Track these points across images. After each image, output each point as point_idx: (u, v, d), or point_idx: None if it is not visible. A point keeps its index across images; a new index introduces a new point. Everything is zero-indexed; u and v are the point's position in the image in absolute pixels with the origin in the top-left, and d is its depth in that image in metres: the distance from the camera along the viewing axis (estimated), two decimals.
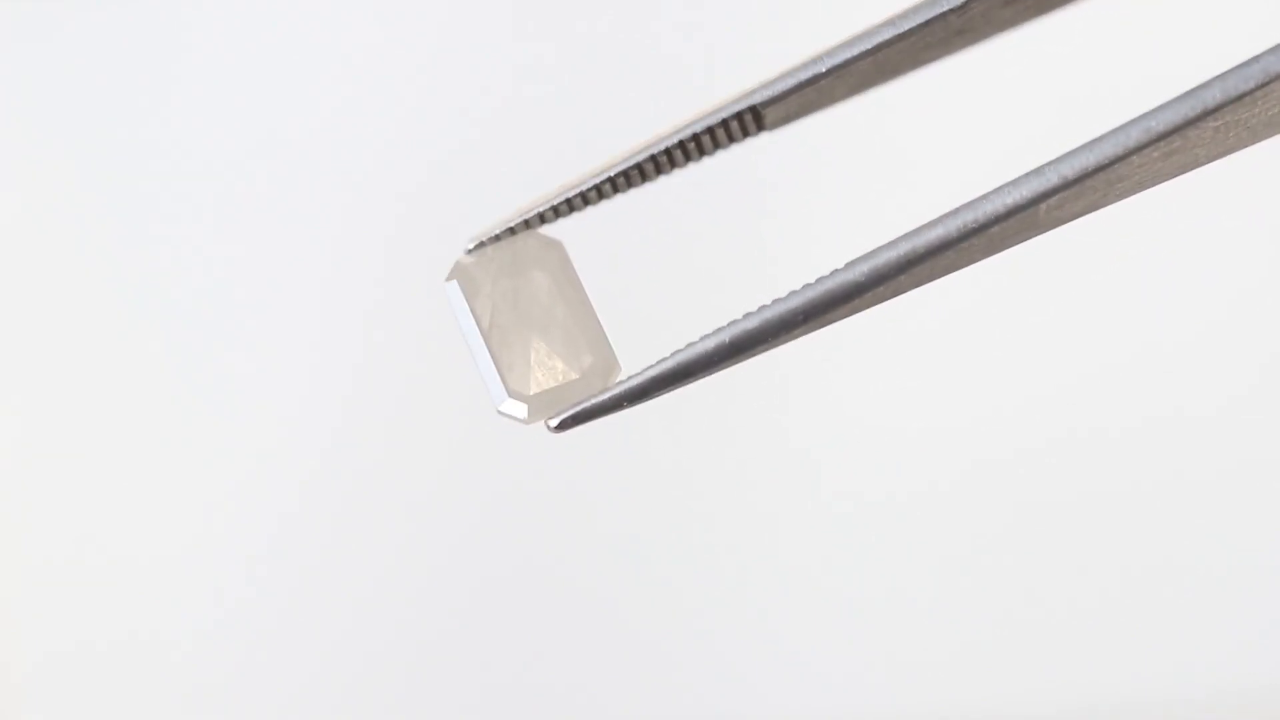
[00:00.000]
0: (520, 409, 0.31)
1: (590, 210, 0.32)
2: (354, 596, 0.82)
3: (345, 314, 0.81)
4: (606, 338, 0.32)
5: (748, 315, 0.30)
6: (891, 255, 0.30)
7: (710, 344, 0.30)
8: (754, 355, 0.31)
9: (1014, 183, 0.30)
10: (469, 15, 0.80)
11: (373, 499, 0.82)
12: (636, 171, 0.32)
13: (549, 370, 0.31)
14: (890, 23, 0.32)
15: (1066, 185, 0.30)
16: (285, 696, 0.83)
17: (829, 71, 0.32)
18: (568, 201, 0.32)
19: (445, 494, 0.81)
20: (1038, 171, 0.30)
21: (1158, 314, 0.77)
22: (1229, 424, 0.76)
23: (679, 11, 0.79)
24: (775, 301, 0.30)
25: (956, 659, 0.78)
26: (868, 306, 0.30)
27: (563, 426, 0.31)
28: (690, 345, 0.30)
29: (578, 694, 0.81)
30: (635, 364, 0.32)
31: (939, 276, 0.31)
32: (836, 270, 0.30)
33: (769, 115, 0.32)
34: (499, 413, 0.31)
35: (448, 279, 0.32)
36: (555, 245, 0.32)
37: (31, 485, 0.84)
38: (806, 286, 0.30)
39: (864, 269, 0.30)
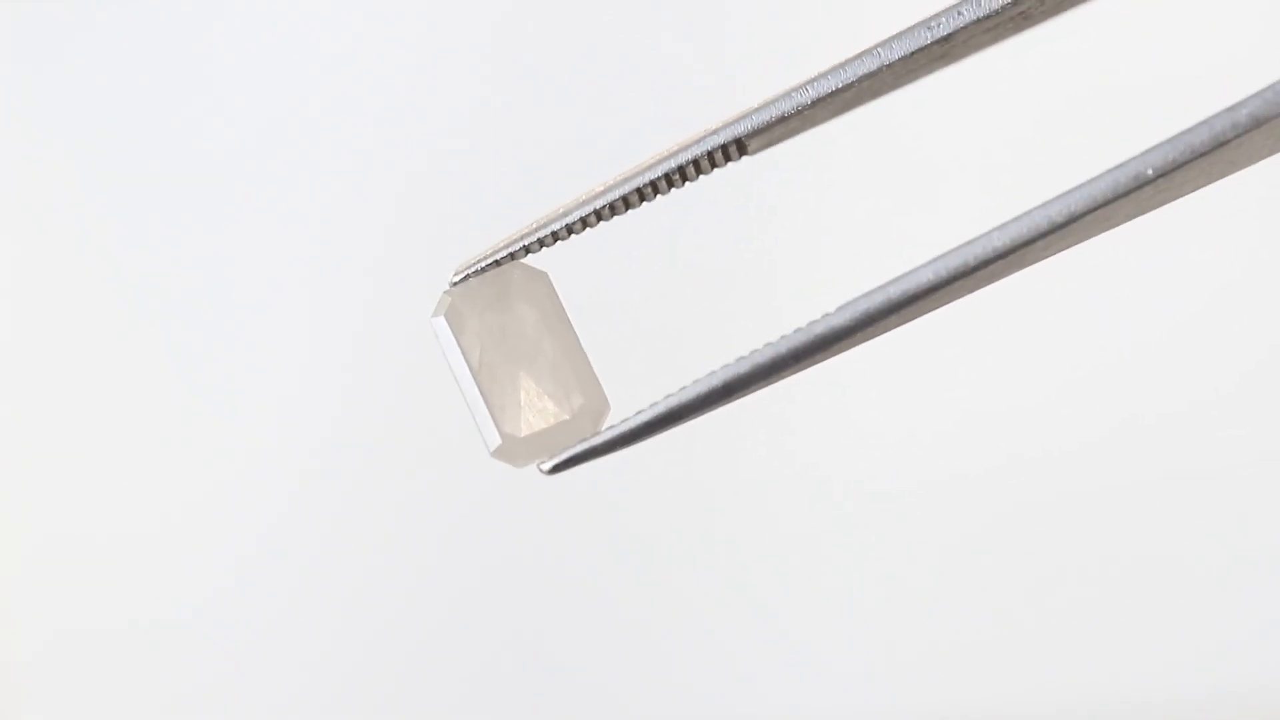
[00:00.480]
0: (513, 455, 0.31)
1: (574, 239, 0.32)
2: (353, 592, 0.83)
3: (341, 326, 0.82)
4: (595, 374, 0.32)
5: (739, 359, 0.31)
6: (880, 300, 0.30)
7: (702, 388, 0.31)
8: (744, 396, 0.31)
9: (1002, 227, 0.30)
10: (460, 35, 0.80)
11: (370, 497, 0.82)
12: (620, 201, 0.32)
13: (540, 411, 0.31)
14: (872, 52, 0.32)
15: (1055, 229, 0.30)
16: (283, 693, 0.83)
17: (814, 103, 0.32)
18: (552, 233, 0.32)
19: (445, 492, 0.82)
20: (1027, 215, 0.31)
21: (1154, 314, 0.77)
22: (1228, 421, 0.76)
23: (665, 30, 0.78)
24: (766, 346, 0.31)
25: (956, 658, 0.78)
26: (856, 345, 0.31)
27: (556, 470, 0.31)
28: (682, 389, 0.31)
29: (580, 692, 0.82)
30: (622, 396, 0.32)
31: (924, 314, 0.31)
32: (827, 315, 0.30)
33: (752, 144, 0.32)
34: (491, 456, 0.31)
35: (434, 315, 0.31)
36: (541, 276, 0.32)
37: (28, 483, 0.84)
38: (798, 331, 0.31)
39: (853, 314, 0.31)
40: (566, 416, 0.31)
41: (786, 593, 0.80)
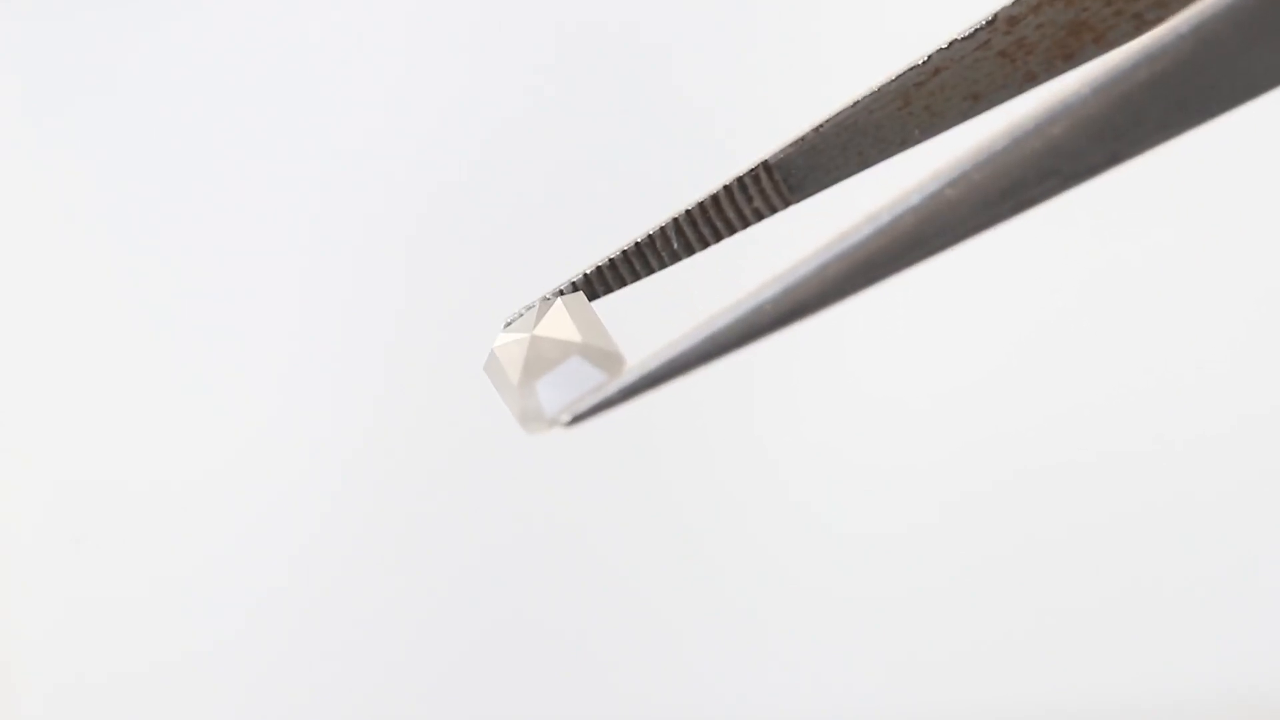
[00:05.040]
0: (537, 416, 0.32)
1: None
2: (352, 594, 0.82)
3: (359, 331, 0.81)
4: (609, 335, 0.33)
5: (743, 302, 0.30)
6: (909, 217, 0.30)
7: (710, 331, 0.30)
8: (755, 340, 0.30)
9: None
10: (490, 43, 0.79)
11: (366, 503, 0.82)
12: (668, 254, 0.32)
13: (551, 364, 0.33)
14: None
15: None
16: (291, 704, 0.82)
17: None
18: (599, 276, 0.32)
19: (442, 519, 0.81)
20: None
21: (1149, 332, 0.76)
22: (1227, 432, 0.76)
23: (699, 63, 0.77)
24: (769, 284, 0.30)
25: (951, 664, 0.78)
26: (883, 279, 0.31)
27: (575, 422, 0.31)
28: (688, 336, 0.31)
29: (580, 699, 0.81)
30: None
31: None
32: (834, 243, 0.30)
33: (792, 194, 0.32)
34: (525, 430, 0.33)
35: (486, 366, 0.32)
36: (576, 296, 0.33)
37: (45, 493, 0.83)
38: (809, 258, 0.30)
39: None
40: (578, 339, 0.32)
41: (780, 599, 0.79)
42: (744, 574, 0.80)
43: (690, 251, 0.34)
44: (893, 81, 0.33)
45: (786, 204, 0.34)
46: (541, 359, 0.32)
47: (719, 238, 0.34)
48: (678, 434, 0.80)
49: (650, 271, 0.34)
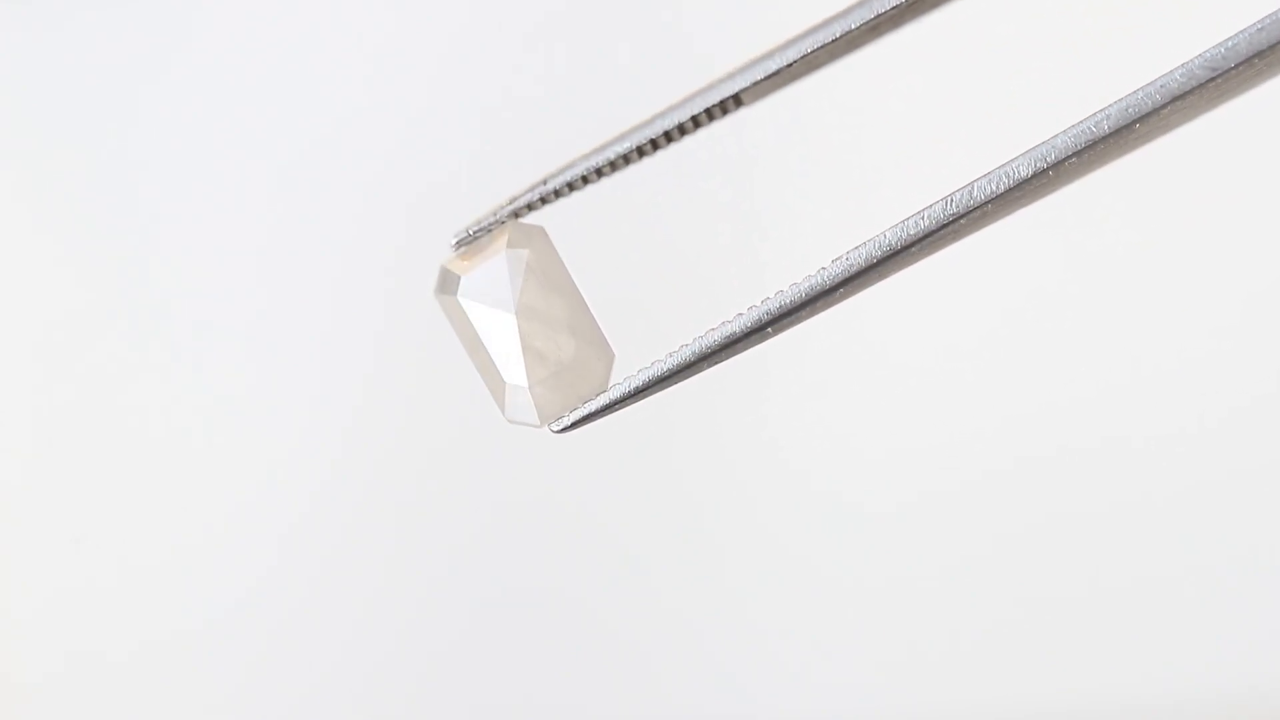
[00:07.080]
0: (527, 413, 0.31)
1: (572, 198, 0.32)
2: (350, 597, 0.81)
3: (350, 315, 0.80)
4: (596, 323, 0.32)
5: (739, 315, 0.30)
6: (871, 251, 0.31)
7: (705, 343, 0.30)
8: (747, 349, 0.30)
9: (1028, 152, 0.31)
10: (471, 19, 0.78)
11: (366, 501, 0.80)
12: (621, 159, 0.32)
13: (541, 358, 0.31)
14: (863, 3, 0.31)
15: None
16: (286, 703, 0.81)
17: (810, 53, 0.31)
18: (555, 191, 0.32)
19: (442, 502, 0.80)
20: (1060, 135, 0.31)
21: (1161, 321, 0.75)
22: (1233, 427, 0.74)
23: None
24: (768, 299, 0.30)
25: (950, 661, 0.76)
26: (857, 292, 0.31)
27: (566, 430, 0.31)
28: (685, 346, 0.30)
29: (578, 685, 0.80)
30: (624, 348, 0.32)
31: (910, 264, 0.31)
32: (823, 269, 0.30)
33: (747, 95, 0.32)
34: (507, 420, 0.32)
35: (437, 291, 0.31)
36: (537, 231, 0.31)
37: (36, 489, 0.81)
38: (805, 279, 0.31)
39: (850, 263, 0.31)
40: (568, 358, 0.31)
41: (775, 600, 0.78)
42: (750, 558, 0.79)
43: (641, 156, 0.33)
44: (869, 21, 0.32)
45: (739, 106, 0.33)
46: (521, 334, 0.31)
47: (669, 141, 0.33)
48: (683, 421, 0.79)
49: (600, 178, 0.33)
